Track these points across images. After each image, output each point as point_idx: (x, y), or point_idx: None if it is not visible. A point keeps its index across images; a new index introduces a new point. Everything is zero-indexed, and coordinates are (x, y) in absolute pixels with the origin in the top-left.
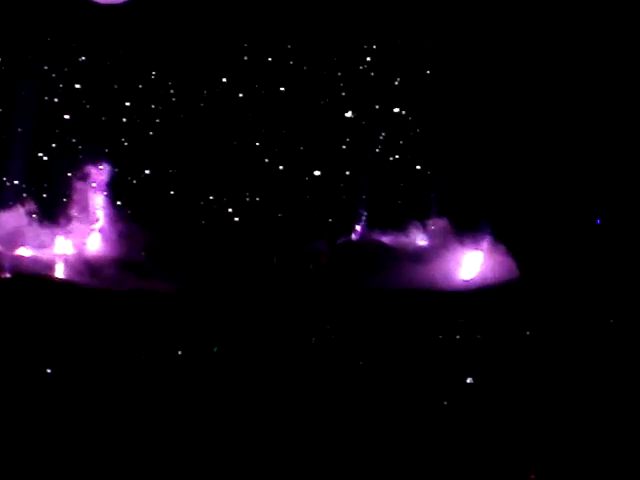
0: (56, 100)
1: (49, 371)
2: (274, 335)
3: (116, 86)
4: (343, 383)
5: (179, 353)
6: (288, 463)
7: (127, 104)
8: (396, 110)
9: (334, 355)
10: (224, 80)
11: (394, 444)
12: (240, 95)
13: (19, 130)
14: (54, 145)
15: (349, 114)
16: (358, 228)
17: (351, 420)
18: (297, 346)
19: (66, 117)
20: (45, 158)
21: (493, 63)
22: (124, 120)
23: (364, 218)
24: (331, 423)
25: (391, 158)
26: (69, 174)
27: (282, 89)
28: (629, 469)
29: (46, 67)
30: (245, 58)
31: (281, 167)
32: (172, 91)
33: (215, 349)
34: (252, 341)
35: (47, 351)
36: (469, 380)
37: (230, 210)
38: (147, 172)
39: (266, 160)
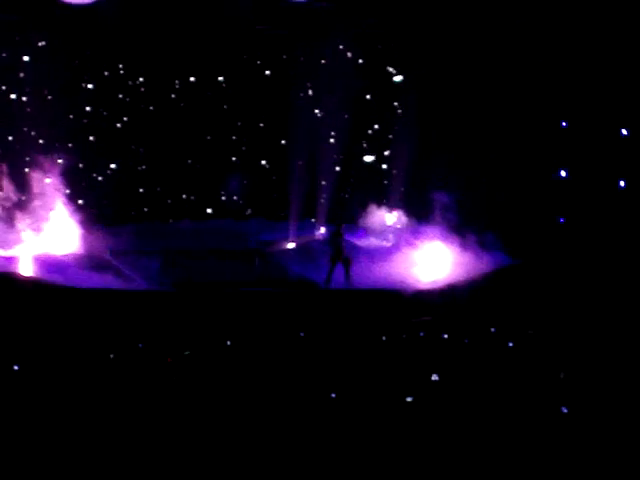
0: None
1: (16, 368)
2: (244, 335)
3: (82, 82)
4: (311, 382)
5: (144, 350)
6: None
7: (90, 89)
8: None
9: (302, 356)
10: (192, 79)
11: (362, 441)
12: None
13: None
14: (16, 142)
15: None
16: (322, 228)
17: (321, 418)
18: (266, 348)
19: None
20: (6, 156)
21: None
22: (88, 112)
23: (328, 217)
24: (301, 422)
25: (356, 156)
26: (32, 173)
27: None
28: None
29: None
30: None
31: (243, 168)
32: (141, 81)
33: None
34: (218, 342)
35: (14, 348)
36: (434, 377)
37: (201, 207)
38: (113, 167)
39: (233, 159)
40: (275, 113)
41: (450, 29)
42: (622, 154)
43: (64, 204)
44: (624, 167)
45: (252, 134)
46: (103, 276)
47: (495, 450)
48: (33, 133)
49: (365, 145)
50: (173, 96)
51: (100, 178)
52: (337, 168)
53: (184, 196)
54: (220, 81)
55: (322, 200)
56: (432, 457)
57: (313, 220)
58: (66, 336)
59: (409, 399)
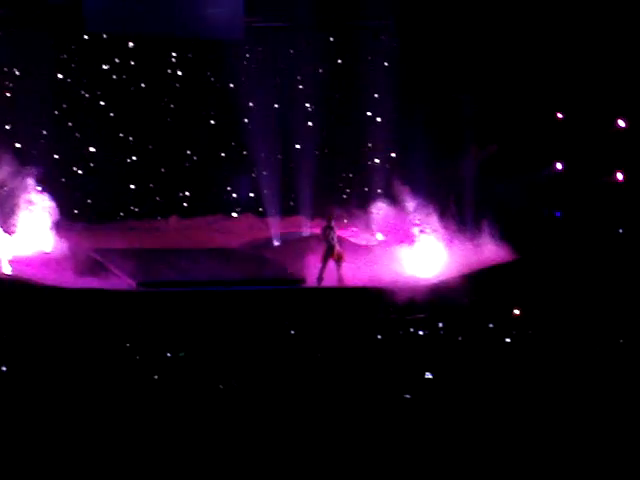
0: None
1: (4, 369)
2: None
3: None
4: (305, 380)
5: (134, 353)
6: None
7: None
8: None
9: (296, 353)
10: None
11: (357, 439)
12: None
13: None
14: None
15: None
16: (310, 224)
17: (315, 416)
18: (257, 347)
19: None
20: None
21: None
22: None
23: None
24: (294, 421)
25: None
26: (4, 165)
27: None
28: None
29: None
30: None
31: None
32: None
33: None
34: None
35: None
36: (428, 375)
37: (184, 204)
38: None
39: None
40: (264, 108)
41: (451, 20)
42: (619, 147)
43: (42, 200)
44: (621, 160)
45: (241, 129)
46: (89, 275)
47: (490, 449)
48: (4, 119)
49: (354, 138)
50: (163, 83)
51: (81, 172)
52: (324, 162)
53: (174, 193)
54: (209, 75)
55: (309, 195)
56: (427, 457)
57: (301, 216)
58: (52, 337)
59: (407, 396)
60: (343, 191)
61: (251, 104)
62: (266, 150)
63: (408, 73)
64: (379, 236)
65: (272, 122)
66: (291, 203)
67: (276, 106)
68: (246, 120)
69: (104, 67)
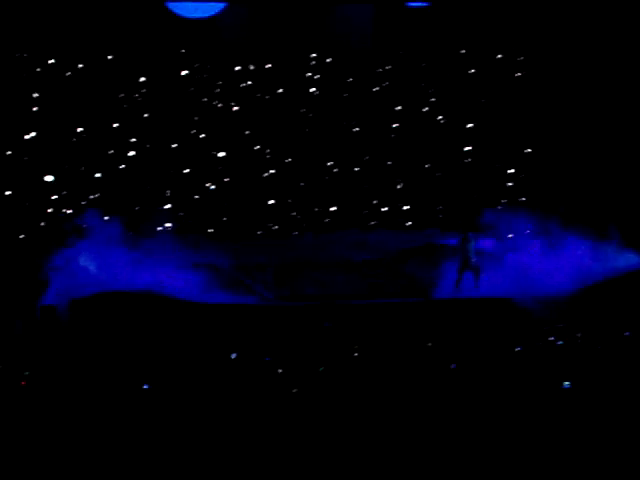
0: None
1: (146, 387)
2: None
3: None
4: (442, 392)
5: (274, 368)
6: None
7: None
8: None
9: (430, 367)
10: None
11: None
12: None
13: None
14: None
15: None
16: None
17: (449, 429)
18: (393, 360)
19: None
20: None
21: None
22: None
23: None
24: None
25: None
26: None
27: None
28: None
29: None
30: None
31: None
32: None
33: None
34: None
35: (146, 366)
36: (566, 385)
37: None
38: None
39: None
40: (408, 116)
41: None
42: None
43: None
44: None
45: (382, 139)
46: (228, 291)
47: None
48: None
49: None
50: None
51: (213, 187)
52: (462, 174)
53: (311, 207)
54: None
55: (446, 207)
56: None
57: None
58: (192, 352)
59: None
60: (486, 202)
61: (398, 109)
62: (408, 161)
63: None
64: (518, 248)
65: (415, 132)
66: (434, 215)
67: (424, 110)
68: (392, 126)
69: (238, 75)
